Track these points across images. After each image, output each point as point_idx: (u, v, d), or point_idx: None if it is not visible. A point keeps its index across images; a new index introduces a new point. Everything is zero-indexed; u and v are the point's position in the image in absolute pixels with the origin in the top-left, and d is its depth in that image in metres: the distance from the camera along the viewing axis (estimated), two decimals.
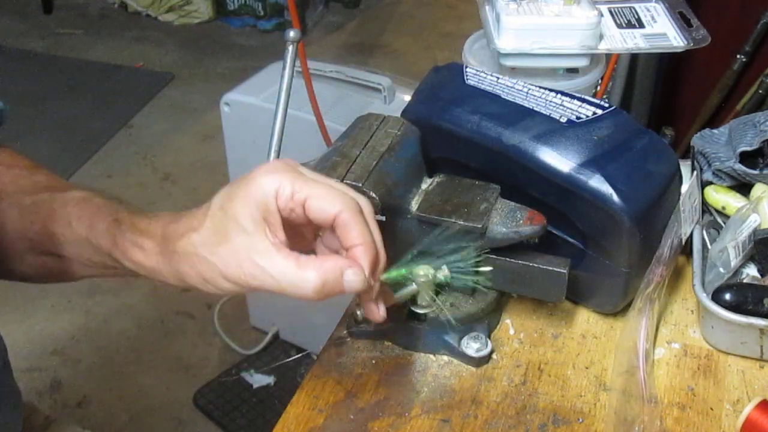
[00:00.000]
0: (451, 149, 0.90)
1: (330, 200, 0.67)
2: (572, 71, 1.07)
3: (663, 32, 1.06)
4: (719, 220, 0.98)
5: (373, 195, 0.78)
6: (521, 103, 0.89)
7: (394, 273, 0.73)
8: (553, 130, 0.85)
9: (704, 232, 0.94)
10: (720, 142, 1.02)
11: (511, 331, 0.91)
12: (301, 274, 0.65)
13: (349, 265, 0.66)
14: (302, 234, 0.73)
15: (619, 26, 1.06)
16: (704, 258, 0.91)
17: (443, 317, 0.84)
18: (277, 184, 0.66)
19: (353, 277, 0.66)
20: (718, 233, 0.94)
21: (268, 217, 0.66)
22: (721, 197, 0.98)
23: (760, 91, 1.52)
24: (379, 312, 0.72)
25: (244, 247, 0.66)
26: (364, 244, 0.67)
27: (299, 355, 2.22)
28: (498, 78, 0.93)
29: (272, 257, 0.65)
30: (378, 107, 1.77)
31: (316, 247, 0.74)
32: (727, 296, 0.84)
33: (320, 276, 0.65)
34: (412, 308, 0.85)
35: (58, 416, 1.09)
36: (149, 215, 0.74)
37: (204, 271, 0.68)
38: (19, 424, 0.91)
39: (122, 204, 0.77)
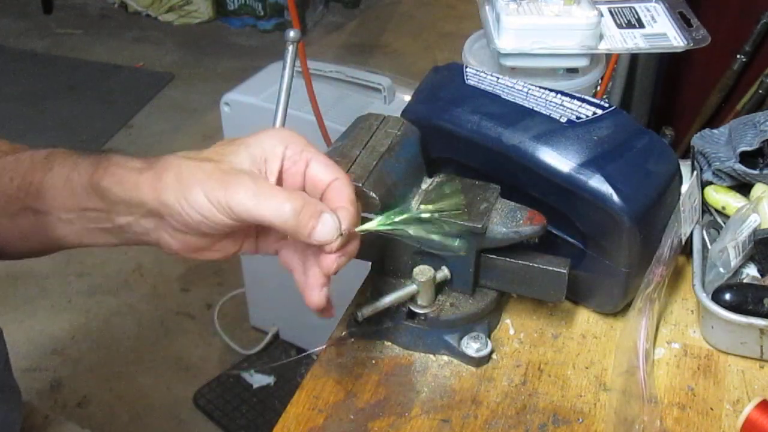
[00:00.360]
0: (451, 149, 0.90)
1: (333, 166, 0.71)
2: (572, 71, 1.07)
3: (663, 32, 1.06)
4: (719, 220, 0.98)
5: (373, 195, 0.78)
6: (521, 103, 0.89)
7: (372, 226, 0.73)
8: (553, 130, 0.85)
9: (704, 232, 0.94)
10: (720, 142, 1.02)
11: (511, 331, 0.91)
12: (287, 194, 0.66)
13: (329, 211, 0.68)
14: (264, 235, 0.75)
15: (619, 26, 1.06)
16: (704, 258, 0.91)
17: (442, 317, 0.85)
18: (291, 139, 0.71)
19: (329, 220, 0.67)
20: (718, 233, 0.94)
21: (269, 159, 0.69)
22: (721, 197, 0.98)
23: (760, 91, 1.52)
24: (334, 263, 0.70)
25: (236, 167, 0.67)
26: (351, 206, 0.69)
27: (299, 355, 2.22)
28: (498, 78, 0.93)
29: (260, 178, 0.68)
30: (378, 107, 1.77)
31: (282, 248, 0.76)
32: (727, 296, 0.84)
33: (303, 201, 0.66)
34: (412, 308, 0.85)
35: (57, 416, 1.09)
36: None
37: (186, 178, 0.66)
38: (18, 422, 0.91)
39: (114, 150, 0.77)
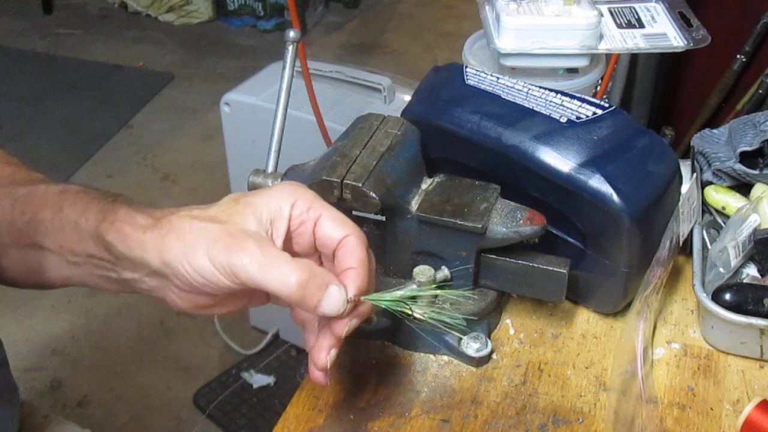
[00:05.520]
0: (451, 149, 0.90)
1: (342, 222, 0.68)
2: (572, 71, 1.07)
3: (663, 32, 1.06)
4: (719, 220, 0.98)
5: (373, 195, 0.79)
6: (521, 103, 0.89)
7: (380, 299, 0.71)
8: (553, 130, 0.85)
9: (704, 232, 0.94)
10: (720, 142, 1.02)
11: (511, 331, 0.91)
12: (293, 265, 0.64)
13: (338, 283, 0.66)
14: None
15: (619, 26, 1.06)
16: (704, 258, 0.91)
17: (442, 317, 0.84)
18: (298, 195, 0.68)
19: (336, 293, 0.65)
20: (718, 233, 0.94)
21: (276, 221, 0.67)
22: (721, 197, 0.98)
23: (760, 91, 1.52)
24: (343, 329, 0.68)
25: (242, 229, 0.65)
26: (360, 269, 0.67)
27: (299, 355, 2.22)
28: (498, 78, 0.93)
29: (266, 243, 0.65)
30: (378, 107, 1.77)
31: None
32: (727, 296, 0.84)
33: (309, 273, 0.64)
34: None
35: (57, 416, 1.09)
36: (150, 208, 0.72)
37: (190, 242, 0.65)
38: (16, 421, 0.91)
39: (124, 196, 0.75)
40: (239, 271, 0.64)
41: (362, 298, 0.68)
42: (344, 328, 0.68)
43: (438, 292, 0.78)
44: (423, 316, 0.74)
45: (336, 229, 0.68)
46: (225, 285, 0.65)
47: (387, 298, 0.71)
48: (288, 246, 0.69)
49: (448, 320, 0.75)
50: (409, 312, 0.73)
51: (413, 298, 0.74)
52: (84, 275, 0.74)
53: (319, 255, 0.73)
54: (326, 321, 0.69)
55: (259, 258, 0.63)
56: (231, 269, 0.64)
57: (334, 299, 0.65)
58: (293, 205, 0.68)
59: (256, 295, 0.73)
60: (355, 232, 0.68)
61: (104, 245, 0.70)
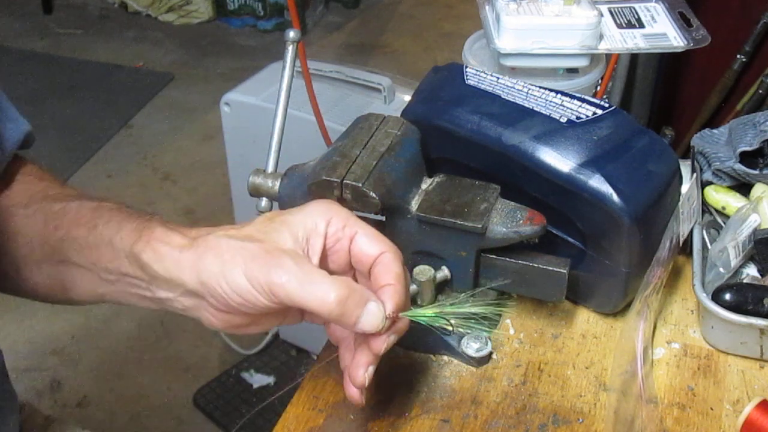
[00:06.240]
0: (451, 149, 0.90)
1: (378, 239, 0.69)
2: (572, 71, 1.07)
3: (663, 32, 1.06)
4: (719, 220, 0.98)
5: (373, 195, 0.78)
6: (521, 103, 0.89)
7: (416, 314, 0.70)
8: (553, 130, 0.85)
9: (704, 232, 0.94)
10: (720, 142, 1.02)
11: (511, 331, 0.91)
12: (330, 283, 0.63)
13: (376, 299, 0.65)
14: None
15: (619, 26, 1.06)
16: (704, 258, 0.91)
17: (442, 317, 0.84)
18: (333, 213, 0.68)
19: (375, 309, 0.65)
20: (718, 233, 0.94)
21: (312, 238, 0.67)
22: (721, 197, 0.98)
23: (760, 91, 1.52)
24: (382, 345, 0.68)
25: (279, 247, 0.65)
26: (398, 284, 0.67)
27: (299, 355, 2.22)
28: (498, 78, 0.93)
29: (304, 260, 0.65)
30: (378, 107, 1.77)
31: None
32: (727, 296, 0.84)
33: (348, 290, 0.63)
34: (412, 308, 0.85)
35: (58, 416, 1.09)
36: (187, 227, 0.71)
37: (227, 260, 0.64)
38: (17, 428, 0.91)
39: (158, 215, 0.75)
40: (278, 288, 0.63)
41: (400, 314, 0.68)
42: (382, 345, 0.67)
43: (475, 309, 0.77)
44: (461, 329, 0.76)
45: (372, 245, 0.68)
46: (262, 304, 0.65)
47: (426, 313, 0.71)
48: (324, 264, 0.69)
49: (486, 332, 0.80)
50: (450, 327, 0.73)
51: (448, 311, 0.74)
52: (117, 293, 0.74)
53: (354, 273, 0.72)
54: (363, 338, 0.68)
55: (298, 275, 0.63)
56: (269, 287, 0.63)
57: (372, 316, 0.65)
58: (329, 223, 0.68)
59: (291, 313, 0.72)
60: (391, 248, 0.69)
61: (139, 264, 0.70)
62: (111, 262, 0.72)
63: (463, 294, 0.77)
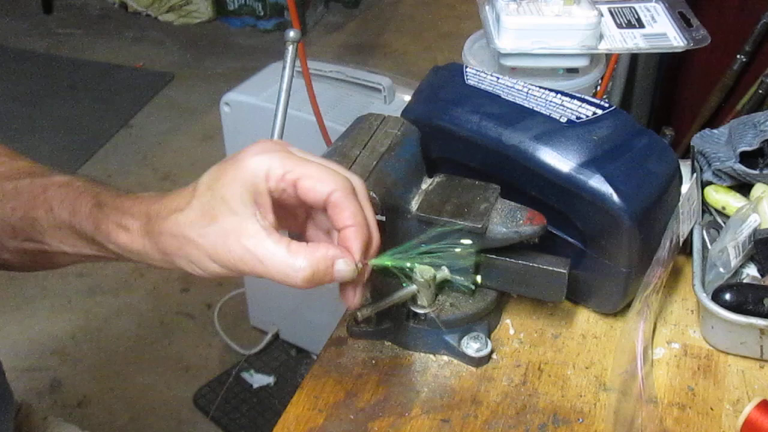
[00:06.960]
0: (451, 149, 0.90)
1: (322, 180, 0.65)
2: (572, 71, 1.07)
3: (663, 32, 1.06)
4: (719, 220, 0.98)
5: (373, 195, 0.78)
6: (521, 103, 0.89)
7: (386, 260, 0.71)
8: (553, 130, 0.85)
9: (704, 232, 0.94)
10: (720, 142, 1.02)
11: (511, 331, 0.91)
12: (292, 262, 0.63)
13: (341, 255, 0.65)
14: (294, 215, 0.72)
15: (619, 26, 1.06)
16: (704, 258, 0.91)
17: (442, 317, 0.85)
18: (268, 165, 0.65)
19: (344, 267, 0.65)
20: (718, 233, 0.94)
21: (258, 198, 0.65)
22: (721, 197, 0.98)
23: (760, 91, 1.52)
24: (355, 297, 0.70)
25: (233, 229, 0.64)
26: (356, 225, 0.66)
27: (299, 355, 2.22)
28: (498, 78, 0.93)
29: (262, 241, 0.64)
30: (378, 107, 1.77)
31: (307, 227, 0.73)
32: (727, 296, 0.84)
33: (311, 265, 0.64)
34: (412, 308, 0.85)
35: (57, 416, 1.09)
36: (132, 196, 0.71)
37: (190, 253, 0.65)
38: (11, 426, 0.91)
39: (105, 186, 0.74)
40: (245, 273, 0.65)
41: (370, 262, 0.68)
42: (353, 297, 0.70)
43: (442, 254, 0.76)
44: (424, 276, 0.77)
45: (316, 189, 0.65)
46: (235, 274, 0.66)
47: (391, 260, 0.71)
48: (282, 213, 0.68)
49: (464, 287, 0.80)
50: (410, 266, 0.73)
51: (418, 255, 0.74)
52: (84, 258, 0.76)
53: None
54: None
55: (262, 258, 0.64)
56: (237, 271, 0.65)
57: (344, 272, 0.65)
58: (267, 177, 0.65)
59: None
60: (339, 185, 0.65)
61: (104, 250, 0.72)
62: (76, 242, 0.74)
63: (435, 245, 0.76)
